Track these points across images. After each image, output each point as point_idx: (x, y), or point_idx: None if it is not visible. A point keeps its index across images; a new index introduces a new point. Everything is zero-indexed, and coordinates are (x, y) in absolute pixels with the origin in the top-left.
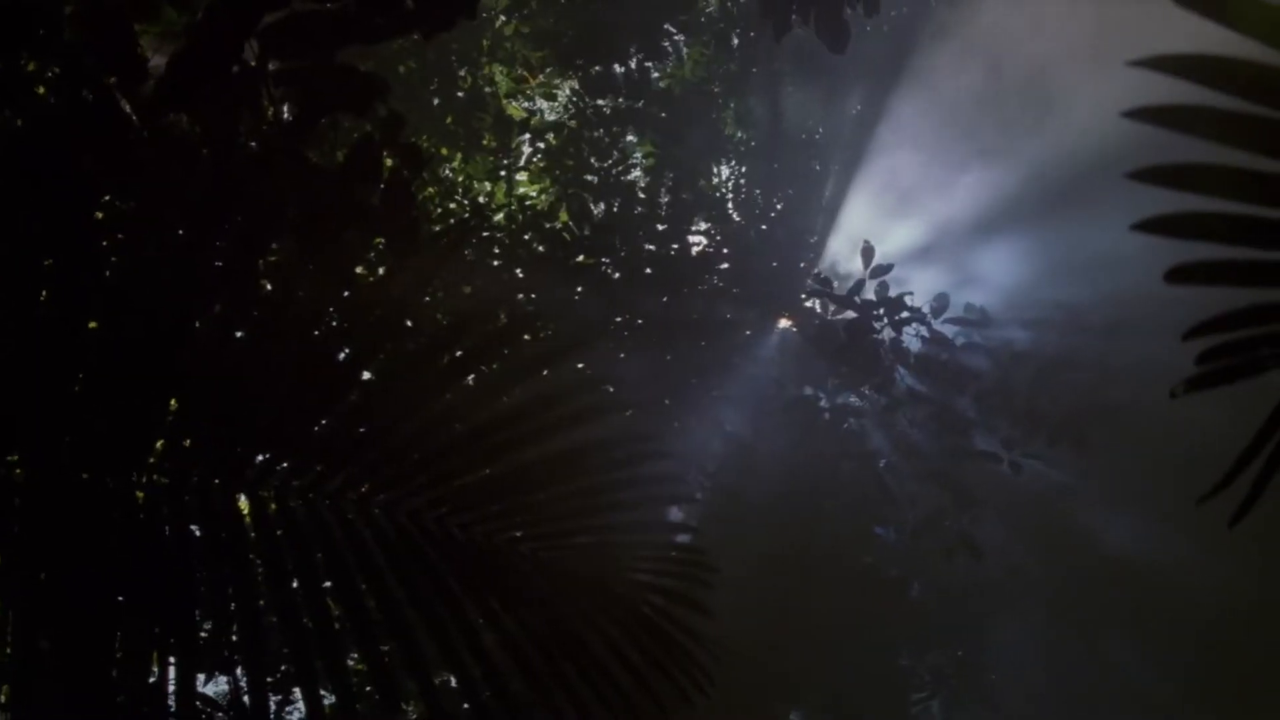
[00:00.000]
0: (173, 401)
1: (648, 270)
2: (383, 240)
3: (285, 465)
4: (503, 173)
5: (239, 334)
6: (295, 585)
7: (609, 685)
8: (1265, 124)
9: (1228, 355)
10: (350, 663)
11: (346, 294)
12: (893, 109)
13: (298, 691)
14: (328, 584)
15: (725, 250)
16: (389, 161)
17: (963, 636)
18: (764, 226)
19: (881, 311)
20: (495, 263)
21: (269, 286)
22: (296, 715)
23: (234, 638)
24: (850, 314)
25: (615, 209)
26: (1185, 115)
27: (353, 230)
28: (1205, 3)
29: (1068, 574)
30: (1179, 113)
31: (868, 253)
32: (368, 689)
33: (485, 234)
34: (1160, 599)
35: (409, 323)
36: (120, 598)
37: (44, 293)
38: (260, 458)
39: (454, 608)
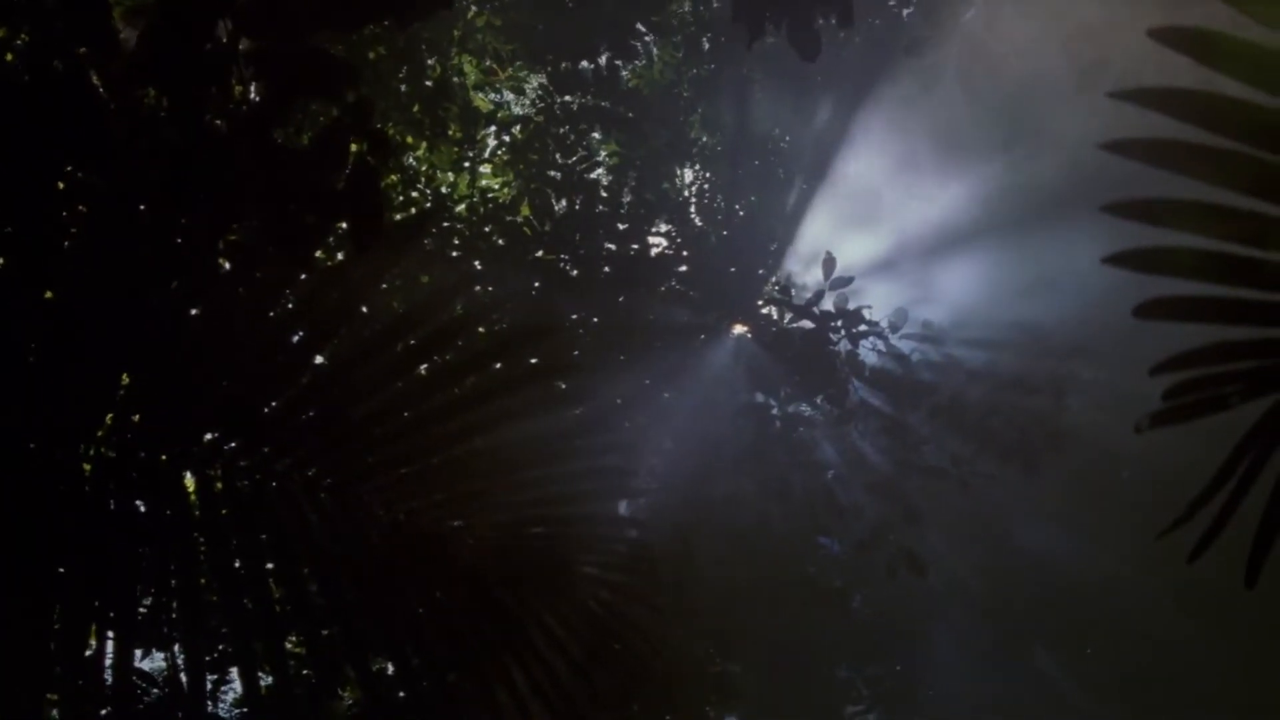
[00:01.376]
0: (125, 376)
1: (606, 269)
2: (345, 226)
3: (234, 445)
4: (466, 164)
5: (195, 311)
6: (237, 565)
7: (548, 678)
8: (1237, 161)
9: (1193, 391)
10: (289, 645)
11: (304, 277)
12: (861, 122)
13: (235, 671)
14: (270, 565)
15: (685, 253)
16: (355, 147)
17: (901, 649)
18: (725, 232)
19: (839, 323)
20: (454, 253)
21: (227, 266)
22: (232, 695)
23: (173, 615)
24: (807, 324)
25: (577, 206)
26: (1159, 150)
27: (315, 214)
28: (1190, 42)
29: (1005, 590)
30: (1153, 147)
31: (829, 264)
32: (305, 673)
33: (446, 224)
34: (1089, 616)
35: (365, 309)
36: (61, 569)
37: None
38: (209, 436)
39: (397, 595)
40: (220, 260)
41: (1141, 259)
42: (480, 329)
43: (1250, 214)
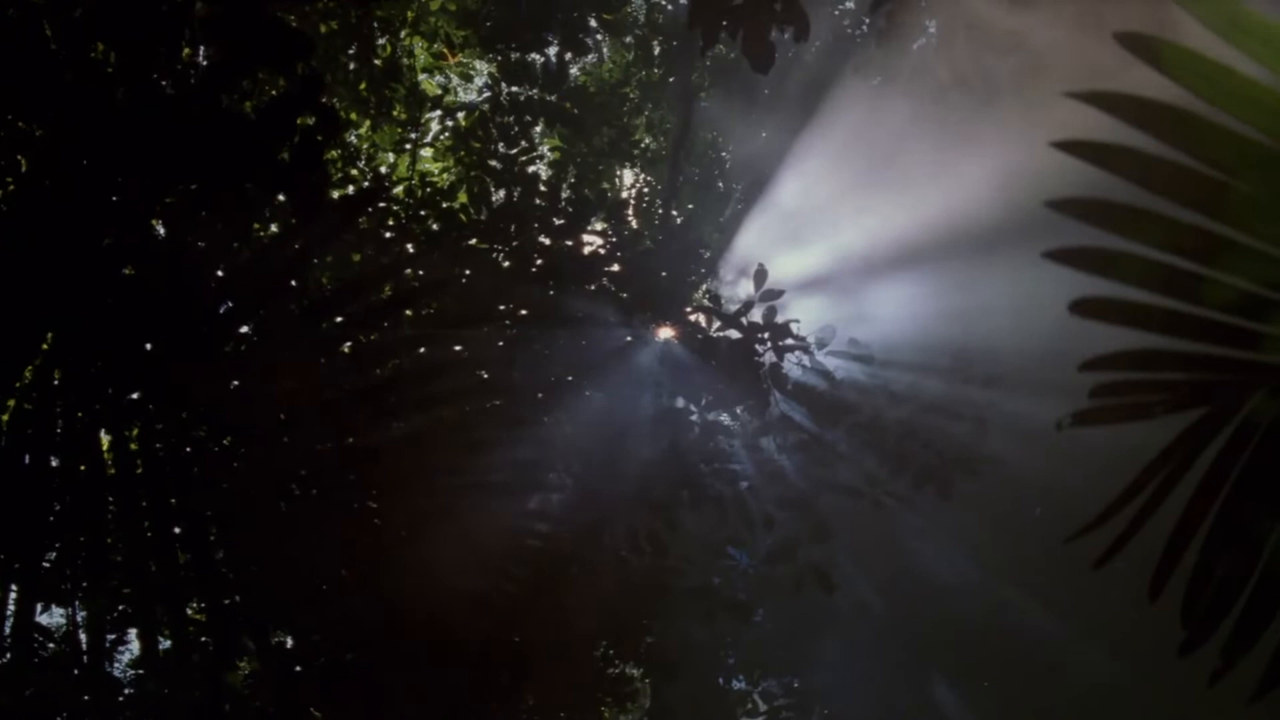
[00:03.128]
0: (49, 333)
1: (539, 261)
2: (285, 198)
3: (153, 408)
4: (408, 146)
5: (127, 272)
6: (146, 527)
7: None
8: (1184, 175)
9: (1119, 394)
10: (190, 611)
11: (238, 246)
12: (806, 139)
13: (133, 633)
14: (178, 530)
15: (618, 254)
16: (302, 121)
17: (799, 667)
18: (660, 236)
19: (766, 335)
20: (388, 234)
21: (163, 230)
22: (128, 656)
23: (78, 571)
24: (734, 334)
25: (515, 197)
26: (1111, 154)
27: (257, 185)
28: (1143, 49)
29: (908, 615)
30: (1104, 150)
31: (760, 275)
32: (204, 640)
33: (382, 205)
34: (987, 644)
35: (294, 283)
36: None
37: None
38: (131, 396)
39: (303, 571)
40: (155, 223)
41: (1085, 258)
42: (408, 313)
43: (1194, 228)
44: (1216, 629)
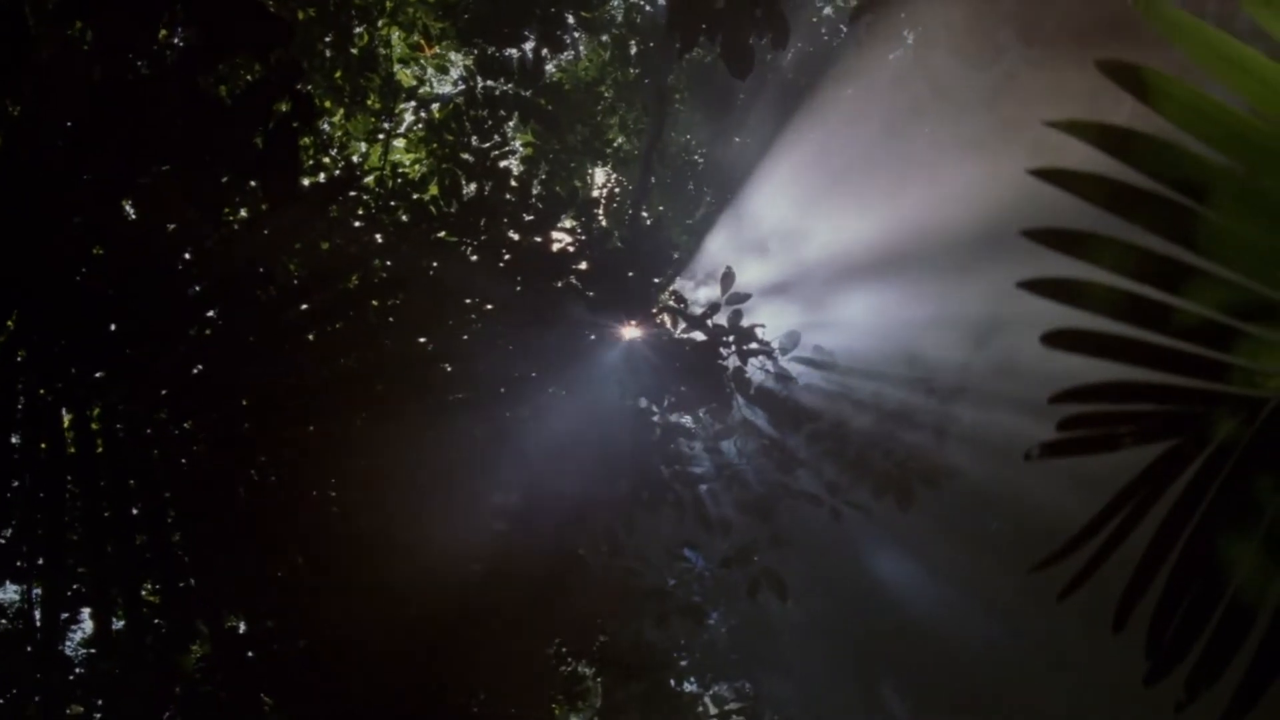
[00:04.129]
0: (14, 310)
1: (507, 257)
2: (258, 184)
3: (117, 388)
4: (381, 136)
5: (97, 251)
6: (104, 506)
7: (395, 657)
8: (1159, 203)
9: (1088, 426)
10: (145, 593)
11: (208, 229)
12: (779, 145)
13: (87, 612)
14: (136, 511)
15: (586, 252)
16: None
17: (751, 671)
18: (629, 236)
19: (731, 339)
20: (358, 224)
21: (133, 212)
22: (81, 635)
23: (35, 549)
24: (699, 336)
25: (486, 191)
26: (1085, 182)
27: (230, 170)
28: (1123, 76)
29: (863, 624)
30: (1078, 178)
31: (727, 278)
32: (157, 622)
33: (353, 194)
34: (937, 655)
35: (263, 270)
36: None
37: None
38: (95, 376)
39: (259, 557)
40: (126, 204)
41: (1055, 287)
42: (374, 303)
43: (1167, 258)
44: (1181, 660)
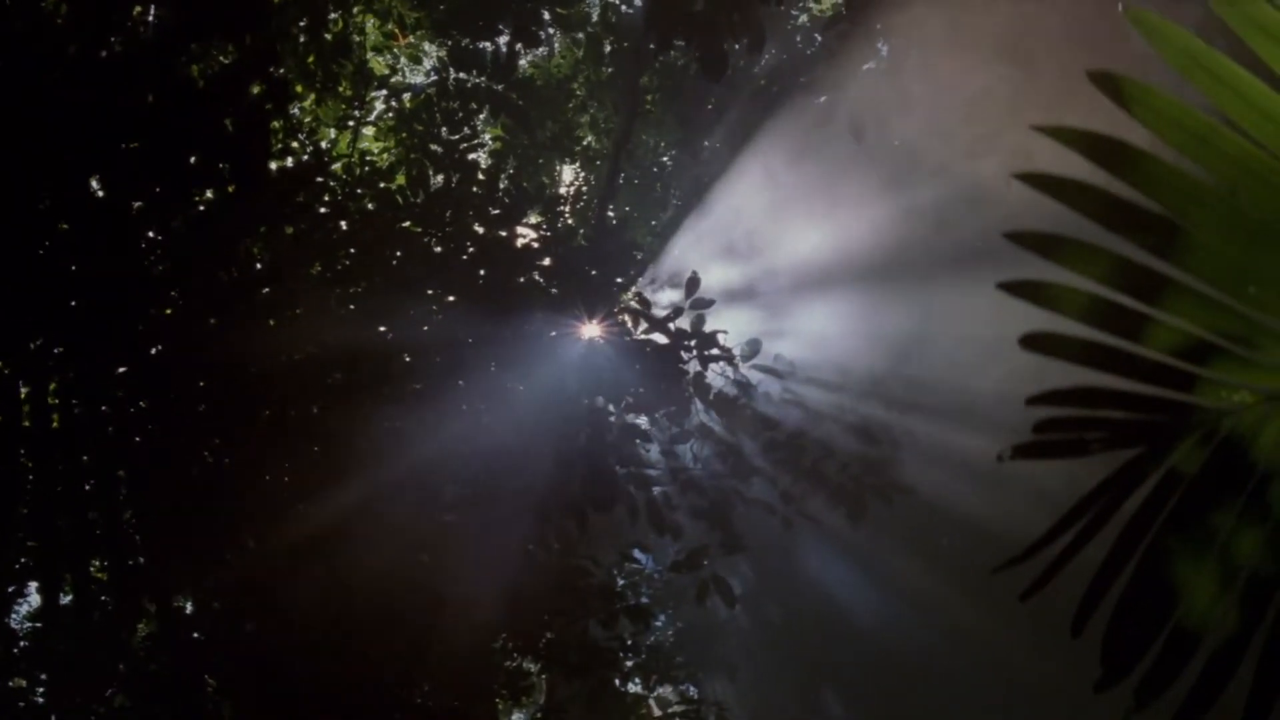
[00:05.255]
0: None
1: (471, 249)
2: (227, 167)
3: (75, 364)
4: (351, 123)
5: (63, 226)
6: (57, 480)
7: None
8: (1141, 212)
9: (1059, 430)
10: (93, 570)
11: (176, 210)
12: (748, 151)
13: (34, 586)
14: (89, 487)
15: (550, 248)
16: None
17: (696, 674)
18: (594, 235)
19: (693, 343)
20: (323, 210)
21: (100, 189)
22: (26, 609)
23: None
24: (660, 338)
25: (453, 183)
26: (1067, 188)
27: (200, 152)
28: (1110, 87)
29: (808, 629)
30: (1064, 186)
31: (692, 283)
32: (104, 599)
33: (319, 180)
34: (881, 663)
35: (227, 253)
36: None
37: None
38: (54, 350)
39: (207, 537)
40: (92, 179)
41: (1032, 290)
42: (336, 290)
43: (1144, 268)
44: (1133, 669)
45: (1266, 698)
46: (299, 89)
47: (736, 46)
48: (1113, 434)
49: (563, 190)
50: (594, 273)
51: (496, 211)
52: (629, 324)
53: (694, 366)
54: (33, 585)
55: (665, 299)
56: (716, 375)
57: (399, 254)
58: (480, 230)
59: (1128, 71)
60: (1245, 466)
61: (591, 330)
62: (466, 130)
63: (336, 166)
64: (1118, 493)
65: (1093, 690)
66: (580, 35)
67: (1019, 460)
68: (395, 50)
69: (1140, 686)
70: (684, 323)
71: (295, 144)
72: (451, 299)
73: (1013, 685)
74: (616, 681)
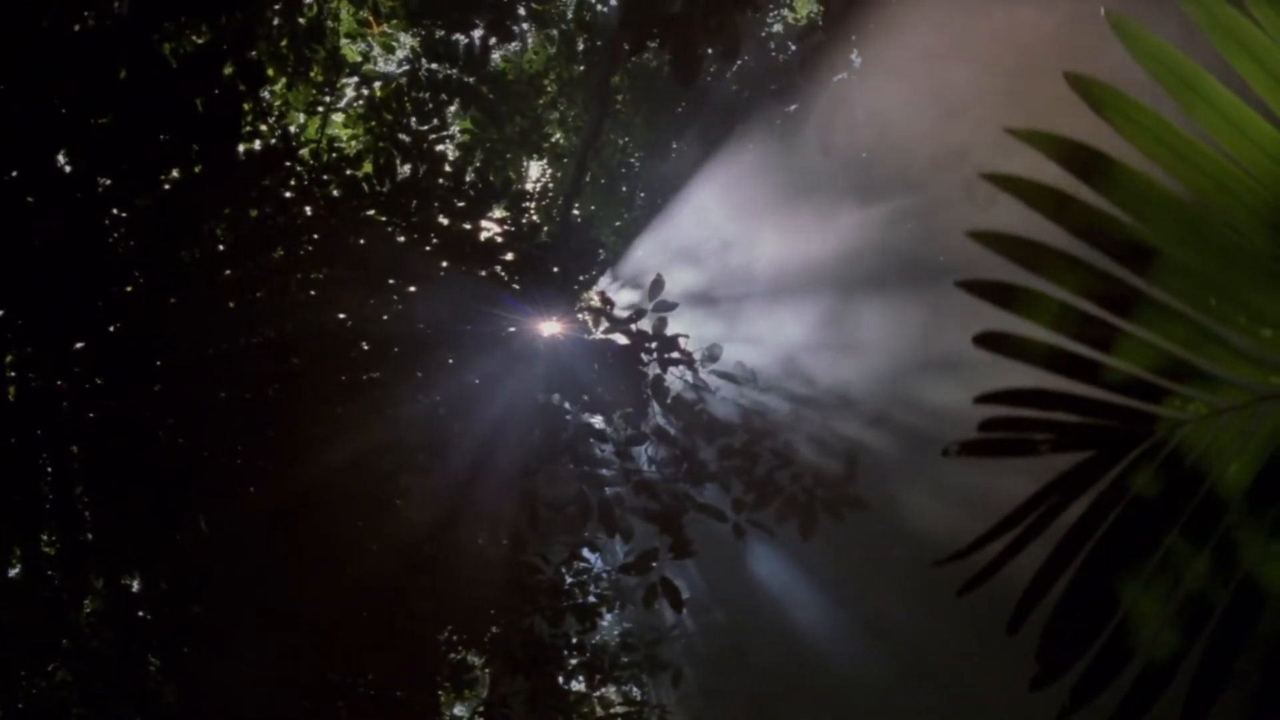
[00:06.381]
0: None
1: (435, 240)
2: (197, 147)
3: (33, 338)
4: (321, 109)
5: (30, 200)
6: (9, 453)
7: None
8: (1111, 221)
9: (1007, 430)
10: (43, 543)
11: (143, 187)
12: (717, 157)
13: None
14: (41, 460)
15: (514, 243)
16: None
17: (640, 675)
18: (558, 232)
19: (653, 345)
20: (288, 194)
21: (68, 164)
22: None
23: None
24: (621, 339)
25: (420, 174)
26: (1031, 191)
27: (171, 132)
28: (1090, 93)
29: (752, 638)
30: (1027, 187)
31: (656, 285)
32: (51, 574)
33: (286, 164)
34: (823, 670)
35: (192, 234)
36: None
37: None
38: (16, 322)
39: (158, 517)
40: (61, 159)
41: (995, 291)
42: (298, 275)
43: (1106, 274)
44: (1068, 670)
45: (1203, 702)
46: (270, 72)
47: (710, 51)
48: (1063, 437)
49: (529, 186)
50: (556, 270)
51: (462, 204)
52: (590, 323)
53: (653, 369)
54: None
55: (626, 299)
56: (676, 379)
57: (362, 242)
58: (445, 222)
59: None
60: (1194, 478)
61: (552, 327)
62: (436, 121)
63: (304, 152)
64: (1064, 495)
65: (1029, 687)
66: (554, 32)
67: (965, 457)
68: (369, 37)
69: (1076, 687)
70: (646, 324)
71: (264, 127)
72: (413, 289)
73: (956, 695)
74: (560, 679)
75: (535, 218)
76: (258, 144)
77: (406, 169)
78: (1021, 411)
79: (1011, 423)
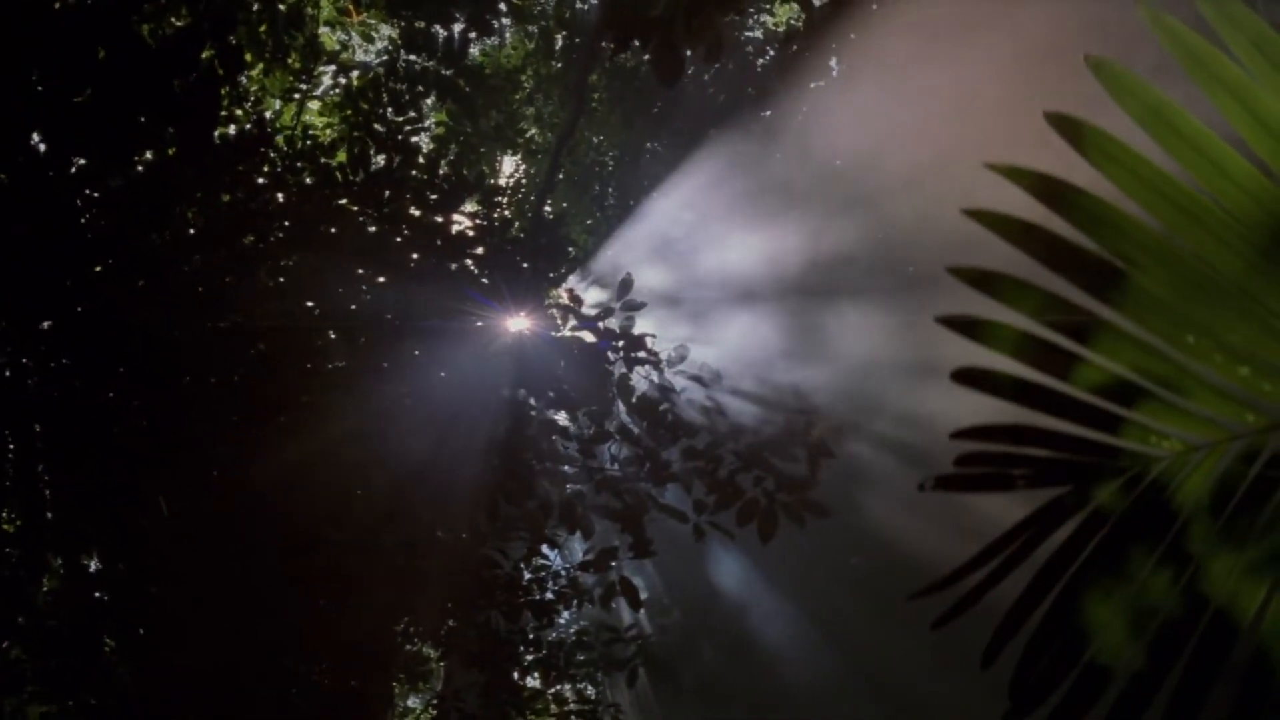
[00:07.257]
0: None
1: (406, 232)
2: (175, 130)
3: (5, 315)
4: (297, 96)
5: (1, 176)
6: None
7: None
8: (1085, 254)
9: (984, 465)
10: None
11: (119, 168)
12: (691, 160)
13: None
14: (7, 432)
15: (486, 237)
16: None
17: (595, 674)
18: (530, 227)
19: (620, 344)
20: (261, 180)
21: (42, 142)
22: None
23: None
24: (589, 337)
25: (394, 165)
26: (1013, 227)
27: (149, 113)
28: (1067, 129)
29: (709, 643)
30: (1008, 223)
31: (625, 284)
32: (8, 551)
33: (262, 150)
34: (777, 677)
35: (161, 216)
36: None
37: None
38: None
39: (119, 500)
40: (36, 140)
41: (967, 325)
42: (268, 262)
43: (1080, 307)
44: (1042, 702)
45: None
46: (248, 57)
47: (690, 53)
48: (1039, 472)
49: (502, 181)
50: (526, 265)
51: (435, 196)
52: (558, 319)
53: (620, 368)
54: None
55: (595, 297)
56: (641, 378)
57: (334, 230)
58: (417, 214)
59: (1079, 107)
60: (1168, 513)
61: (520, 322)
62: (412, 113)
63: (279, 138)
64: (1040, 529)
65: None
66: (533, 28)
67: (940, 491)
68: (348, 26)
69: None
70: (613, 323)
71: (240, 112)
72: (382, 280)
73: (905, 705)
74: (515, 675)
75: (507, 213)
76: (233, 129)
77: (381, 159)
78: (996, 447)
79: (987, 457)
